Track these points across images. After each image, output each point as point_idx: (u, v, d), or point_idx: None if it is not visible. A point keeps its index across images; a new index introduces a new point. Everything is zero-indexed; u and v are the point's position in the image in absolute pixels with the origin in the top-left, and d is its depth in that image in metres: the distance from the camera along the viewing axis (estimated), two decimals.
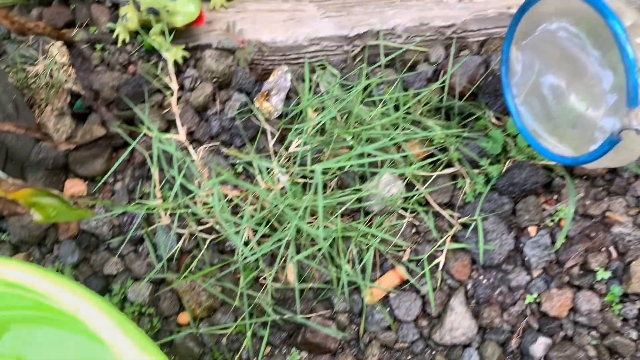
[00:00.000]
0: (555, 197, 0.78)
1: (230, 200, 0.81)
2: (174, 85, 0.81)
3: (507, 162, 0.77)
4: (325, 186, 0.82)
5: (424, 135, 0.77)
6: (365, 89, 0.86)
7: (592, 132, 0.67)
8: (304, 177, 0.81)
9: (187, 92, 0.92)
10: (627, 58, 0.55)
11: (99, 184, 0.87)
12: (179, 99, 0.93)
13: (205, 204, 0.79)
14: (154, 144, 0.75)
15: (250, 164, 0.83)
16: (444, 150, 0.81)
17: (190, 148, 0.79)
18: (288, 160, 0.84)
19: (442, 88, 0.84)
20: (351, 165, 0.75)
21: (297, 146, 0.81)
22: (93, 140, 0.87)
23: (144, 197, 0.86)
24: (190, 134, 0.89)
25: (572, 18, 0.67)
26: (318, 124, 0.77)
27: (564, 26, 0.69)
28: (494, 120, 0.80)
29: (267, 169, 0.77)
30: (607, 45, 0.64)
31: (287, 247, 0.76)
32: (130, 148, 0.81)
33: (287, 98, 0.90)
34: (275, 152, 0.85)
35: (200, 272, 0.78)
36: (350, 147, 0.78)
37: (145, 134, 0.85)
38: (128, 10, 0.93)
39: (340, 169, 0.78)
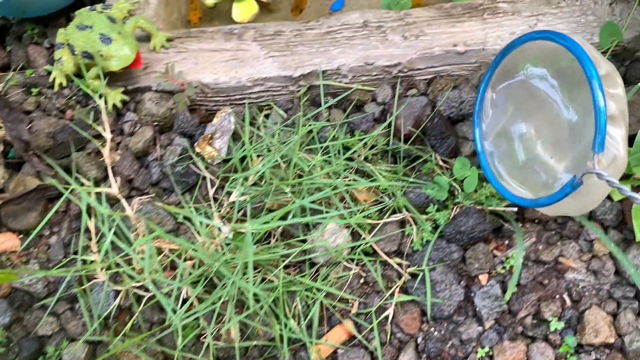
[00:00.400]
0: (507, 242, 0.75)
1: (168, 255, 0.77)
2: (107, 135, 0.77)
3: (455, 207, 0.74)
4: (269, 235, 0.78)
5: (368, 185, 0.73)
6: (311, 131, 0.83)
7: (553, 181, 0.67)
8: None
9: (127, 137, 0.89)
10: (598, 104, 0.57)
11: (32, 238, 0.82)
12: (118, 144, 0.89)
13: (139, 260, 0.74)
14: (82, 200, 0.70)
15: (191, 212, 0.79)
16: (391, 195, 0.77)
17: (123, 201, 0.75)
18: (231, 209, 0.80)
19: (389, 130, 0.81)
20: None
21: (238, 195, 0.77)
22: (25, 192, 0.82)
23: (81, 251, 0.82)
24: (129, 181, 0.85)
25: (551, 69, 0.68)
26: (259, 171, 0.74)
27: (542, 75, 0.69)
28: (440, 163, 0.78)
29: (206, 221, 0.73)
30: (580, 97, 0.65)
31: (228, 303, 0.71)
32: (62, 199, 0.77)
33: (233, 140, 0.86)
34: (216, 199, 0.81)
35: (138, 335, 0.73)
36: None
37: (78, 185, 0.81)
38: (63, 54, 0.89)
39: (283, 218, 0.75)
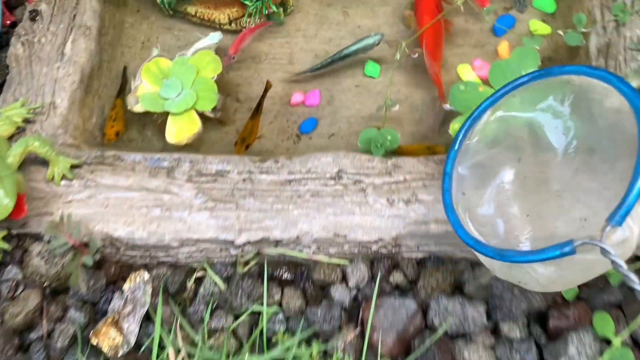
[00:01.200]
0: None
1: None
2: None
3: None
4: None
5: None
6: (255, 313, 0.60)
7: (514, 241, 0.56)
8: None
9: (5, 303, 0.65)
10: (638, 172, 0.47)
11: None
12: None
13: None
14: None
15: None
16: None
17: None
18: None
19: (362, 334, 0.58)
20: None
21: None
22: None
23: None
24: None
25: (574, 114, 0.58)
26: None
27: (559, 115, 0.59)
28: None
29: None
30: (598, 160, 0.55)
31: None
32: None
33: (148, 318, 0.63)
34: None
35: None
36: None
37: None
38: None
39: None
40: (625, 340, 0.56)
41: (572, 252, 0.47)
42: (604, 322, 0.54)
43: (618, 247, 0.48)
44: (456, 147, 0.59)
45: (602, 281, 0.58)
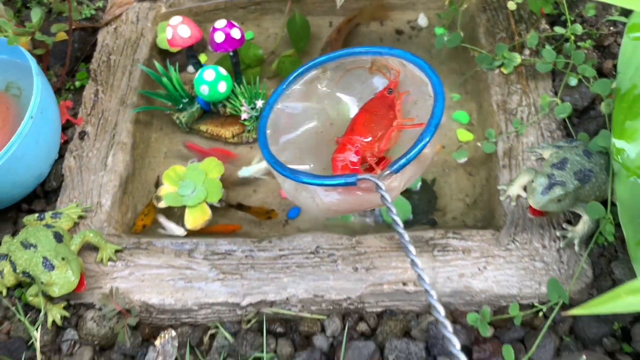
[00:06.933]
0: None
1: None
2: None
3: None
4: None
5: None
6: None
7: None
8: None
9: (65, 357, 0.84)
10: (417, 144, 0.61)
11: None
12: None
13: None
14: None
15: None
16: None
17: None
18: None
19: None
20: None
21: None
22: None
23: None
24: None
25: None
26: None
27: None
28: None
29: None
30: None
31: None
32: None
33: None
34: None
35: None
36: None
37: None
38: (4, 267, 0.86)
39: None
40: None
41: (354, 183, 0.59)
42: (509, 353, 0.74)
43: (388, 190, 0.60)
44: (268, 110, 0.75)
45: (510, 323, 0.79)
